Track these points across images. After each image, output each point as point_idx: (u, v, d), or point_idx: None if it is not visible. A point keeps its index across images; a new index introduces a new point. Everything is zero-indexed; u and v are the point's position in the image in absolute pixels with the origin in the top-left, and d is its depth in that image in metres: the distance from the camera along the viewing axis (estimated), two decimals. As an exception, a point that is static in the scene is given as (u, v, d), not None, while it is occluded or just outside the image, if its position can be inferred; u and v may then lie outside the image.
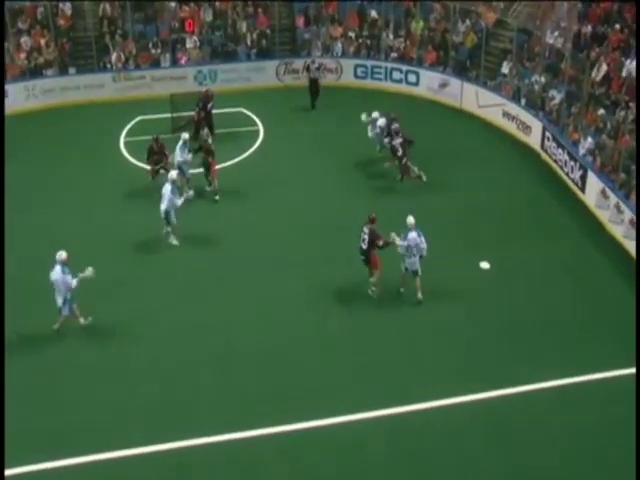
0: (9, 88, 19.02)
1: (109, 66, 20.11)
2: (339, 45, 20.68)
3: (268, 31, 20.88)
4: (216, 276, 12.96)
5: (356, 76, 20.55)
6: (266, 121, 18.28)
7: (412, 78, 20.04)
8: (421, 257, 11.99)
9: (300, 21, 21.12)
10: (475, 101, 18.92)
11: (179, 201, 13.49)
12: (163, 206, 13.41)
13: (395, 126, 15.72)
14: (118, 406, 10.41)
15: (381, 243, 11.92)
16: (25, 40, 19.83)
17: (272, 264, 13.20)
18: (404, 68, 20.08)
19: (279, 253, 13.52)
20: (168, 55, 20.31)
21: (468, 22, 19.89)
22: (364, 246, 11.99)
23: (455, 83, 19.34)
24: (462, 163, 16.70)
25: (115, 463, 9.60)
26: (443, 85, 19.56)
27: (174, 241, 13.77)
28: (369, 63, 20.41)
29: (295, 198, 15.35)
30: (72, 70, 19.91)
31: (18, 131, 18.04)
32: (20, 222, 14.39)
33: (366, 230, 11.97)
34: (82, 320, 11.68)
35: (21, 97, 19.21)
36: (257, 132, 17.92)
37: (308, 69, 19.46)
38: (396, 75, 20.20)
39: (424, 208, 14.25)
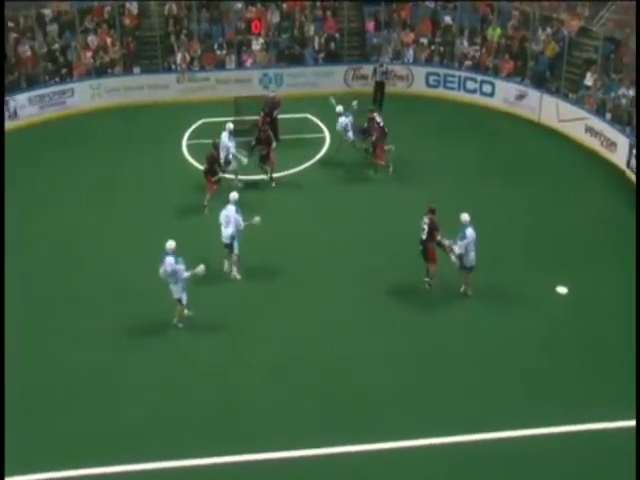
0: (75, 86, 19.08)
1: (173, 67, 19.85)
2: (410, 51, 19.90)
3: (336, 35, 20.27)
4: (275, 285, 12.35)
5: (428, 84, 19.74)
6: (333, 128, 17.46)
7: (487, 88, 19.09)
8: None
9: (370, 25, 20.45)
10: (555, 114, 17.82)
11: (242, 224, 12.19)
12: (229, 230, 12.08)
13: (375, 114, 15.94)
14: (173, 414, 9.94)
15: (439, 237, 11.75)
16: (92, 39, 19.76)
17: (333, 273, 12.59)
18: (479, 78, 19.17)
19: (340, 262, 12.87)
20: (233, 57, 19.92)
21: (549, 30, 18.83)
22: (423, 237, 11.85)
23: (533, 95, 18.28)
24: (540, 180, 15.70)
25: (165, 475, 9.11)
26: (520, 97, 18.52)
27: (237, 275, 12.46)
28: (442, 71, 19.58)
29: (360, 206, 14.68)
30: (136, 70, 19.73)
31: (82, 129, 18.12)
32: (74, 220, 14.25)
33: (426, 220, 11.80)
34: (186, 311, 11.39)
35: (87, 96, 19.15)
36: (323, 139, 17.29)
37: (375, 72, 18.86)
38: (470, 85, 19.28)
39: (499, 225, 13.65)
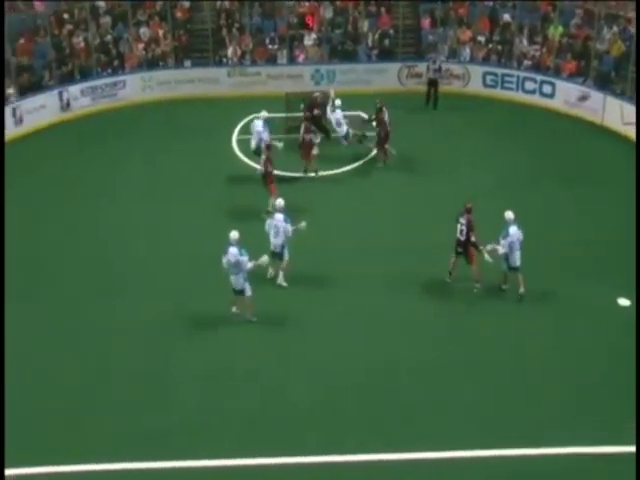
0: (127, 79, 19.10)
1: (224, 60, 19.70)
2: (467, 50, 19.34)
3: (391, 31, 19.83)
4: (320, 289, 11.96)
5: (485, 84, 19.14)
6: (386, 127, 17.26)
7: (547, 89, 18.39)
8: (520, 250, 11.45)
9: (425, 22, 19.95)
10: (619, 117, 16.99)
11: (291, 231, 11.75)
12: (279, 240, 11.68)
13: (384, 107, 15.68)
14: (213, 413, 9.68)
15: (473, 239, 11.50)
16: (144, 31, 19.76)
17: (377, 276, 12.12)
18: (538, 78, 18.49)
19: (384, 265, 12.37)
20: (285, 52, 19.67)
21: (615, 28, 17.99)
22: (462, 238, 11.60)
23: (597, 96, 17.52)
24: (601, 185, 14.97)
25: (198, 474, 8.86)
26: (582, 98, 17.78)
27: (284, 283, 12.01)
28: (499, 71, 18.96)
29: (408, 206, 14.22)
30: (187, 63, 19.65)
31: (133, 122, 18.11)
32: (121, 212, 14.19)
33: (463, 221, 11.55)
34: (234, 308, 11.18)
35: (138, 88, 19.15)
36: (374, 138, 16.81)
37: (428, 69, 18.45)
38: (529, 85, 18.61)
39: (552, 229, 13.20)
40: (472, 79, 19.20)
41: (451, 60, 19.26)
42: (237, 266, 10.76)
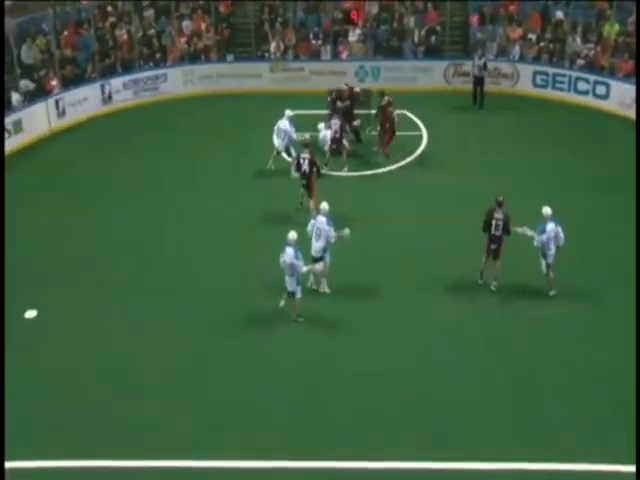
0: (169, 72, 18.99)
1: (267, 55, 19.45)
2: (517, 48, 18.71)
3: (438, 28, 19.33)
4: (365, 297, 11.60)
5: (535, 84, 18.52)
6: (431, 126, 16.74)
7: (601, 90, 17.73)
8: (557, 247, 11.19)
9: (474, 19, 19.37)
10: (678, 121, 16.34)
11: (333, 236, 11.30)
12: (320, 244, 11.24)
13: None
14: (250, 413, 9.44)
15: (512, 229, 11.30)
16: (187, 24, 19.62)
17: (420, 281, 11.79)
18: (592, 78, 17.84)
19: (427, 269, 12.02)
20: (329, 47, 19.31)
21: (676, 28, 17.27)
22: (498, 233, 11.31)
23: (654, 98, 16.81)
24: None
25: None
26: (639, 100, 17.09)
27: (327, 289, 11.63)
28: (551, 70, 18.33)
29: (454, 209, 13.67)
30: (229, 57, 19.47)
31: (173, 116, 17.98)
32: (159, 207, 14.05)
33: (500, 216, 11.26)
34: (282, 302, 11.00)
35: (179, 82, 19.04)
36: (420, 137, 16.44)
37: (473, 66, 17.91)
38: (582, 86, 17.97)
39: (601, 238, 12.71)
40: (522, 78, 18.61)
41: (500, 59, 18.69)
42: (292, 268, 10.58)
